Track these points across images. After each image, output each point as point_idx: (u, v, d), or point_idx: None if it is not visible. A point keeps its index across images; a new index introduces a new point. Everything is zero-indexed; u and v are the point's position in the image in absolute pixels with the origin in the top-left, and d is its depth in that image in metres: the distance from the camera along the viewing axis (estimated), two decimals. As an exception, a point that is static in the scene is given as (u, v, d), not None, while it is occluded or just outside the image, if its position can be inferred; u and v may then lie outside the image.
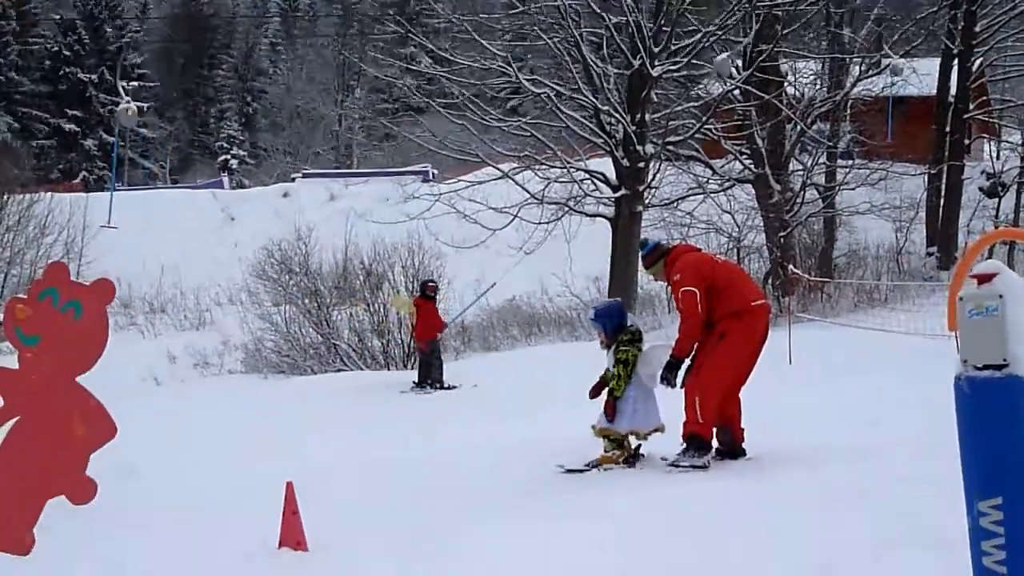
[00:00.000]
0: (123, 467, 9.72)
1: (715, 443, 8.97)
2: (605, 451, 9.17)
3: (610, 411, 9.12)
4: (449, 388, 18.82)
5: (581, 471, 9.06)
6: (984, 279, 3.58)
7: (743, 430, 9.11)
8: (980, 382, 3.54)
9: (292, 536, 6.71)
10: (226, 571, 6.15)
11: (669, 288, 9.25)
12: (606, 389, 9.28)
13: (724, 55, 26.68)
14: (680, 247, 9.63)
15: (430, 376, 19.02)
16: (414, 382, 19.20)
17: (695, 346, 8.90)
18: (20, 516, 4.84)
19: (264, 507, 7.76)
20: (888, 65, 30.47)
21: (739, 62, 27.38)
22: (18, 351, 4.87)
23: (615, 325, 9.31)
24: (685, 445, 8.85)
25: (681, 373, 8.84)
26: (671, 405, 9.04)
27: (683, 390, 8.85)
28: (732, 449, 9.02)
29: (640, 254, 9.59)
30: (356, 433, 12.51)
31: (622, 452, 9.15)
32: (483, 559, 6.47)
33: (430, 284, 20.60)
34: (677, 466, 8.71)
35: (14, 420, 4.84)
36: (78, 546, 6.80)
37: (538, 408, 12.67)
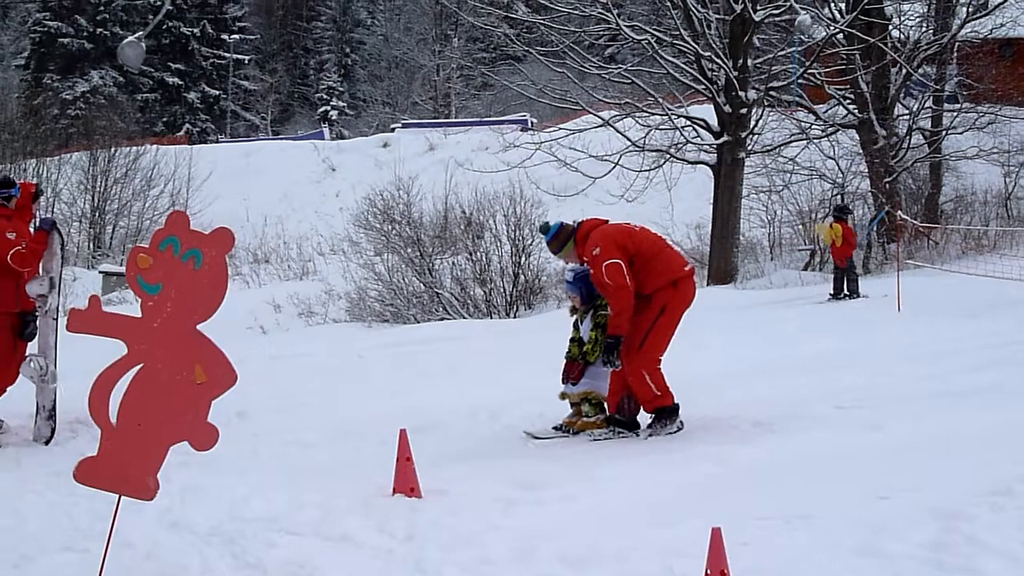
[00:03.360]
0: (234, 413, 9.90)
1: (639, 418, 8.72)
2: (586, 416, 8.84)
3: (576, 375, 8.86)
4: (864, 297, 20.54)
5: (559, 436, 8.85)
6: None
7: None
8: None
9: (406, 483, 6.76)
10: (345, 517, 6.21)
11: (587, 265, 8.69)
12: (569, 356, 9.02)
13: (803, 15, 26.08)
14: (586, 222, 8.93)
15: (847, 287, 21.02)
16: (831, 293, 21.00)
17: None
18: (144, 461, 4.95)
19: (373, 453, 7.86)
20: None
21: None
22: (140, 299, 4.96)
23: (591, 291, 8.89)
24: (655, 417, 8.57)
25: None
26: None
27: (629, 369, 8.46)
28: (631, 420, 8.70)
29: (545, 240, 9.06)
30: (463, 379, 12.56)
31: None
32: (588, 506, 6.47)
33: (846, 208, 23.25)
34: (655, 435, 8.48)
35: (138, 367, 4.95)
36: (196, 491, 6.93)
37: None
